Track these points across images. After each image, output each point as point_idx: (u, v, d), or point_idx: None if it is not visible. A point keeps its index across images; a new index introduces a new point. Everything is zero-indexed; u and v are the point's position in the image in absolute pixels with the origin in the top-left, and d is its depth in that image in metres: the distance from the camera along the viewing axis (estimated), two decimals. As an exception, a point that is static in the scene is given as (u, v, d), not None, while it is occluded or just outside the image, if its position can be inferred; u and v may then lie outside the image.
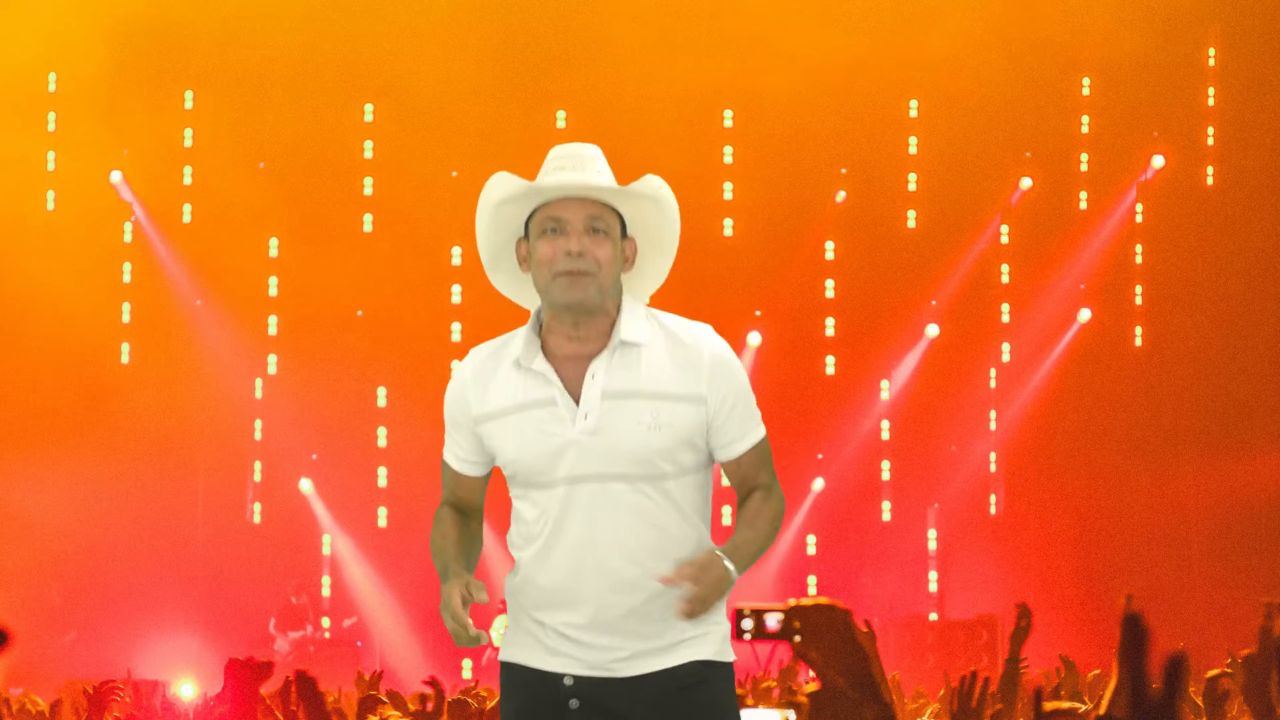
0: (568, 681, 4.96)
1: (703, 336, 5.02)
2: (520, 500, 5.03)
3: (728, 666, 5.04)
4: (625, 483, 4.91)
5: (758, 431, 5.08)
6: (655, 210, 5.05)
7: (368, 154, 23.45)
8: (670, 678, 4.95)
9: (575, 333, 4.98)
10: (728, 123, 23.28)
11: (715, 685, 4.99)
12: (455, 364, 5.20)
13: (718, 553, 4.84)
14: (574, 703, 4.95)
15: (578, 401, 4.93)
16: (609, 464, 4.90)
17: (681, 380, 4.94)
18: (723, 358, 5.00)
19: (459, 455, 5.15)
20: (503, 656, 5.11)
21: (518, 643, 5.07)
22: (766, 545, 5.02)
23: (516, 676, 5.06)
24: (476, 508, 5.25)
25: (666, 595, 4.90)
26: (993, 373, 23.81)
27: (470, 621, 4.86)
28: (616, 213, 5.02)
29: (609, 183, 4.99)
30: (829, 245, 23.57)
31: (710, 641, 5.00)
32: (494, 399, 5.01)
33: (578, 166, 5.02)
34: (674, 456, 4.94)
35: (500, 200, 5.07)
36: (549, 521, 4.95)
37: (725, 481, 5.24)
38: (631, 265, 5.06)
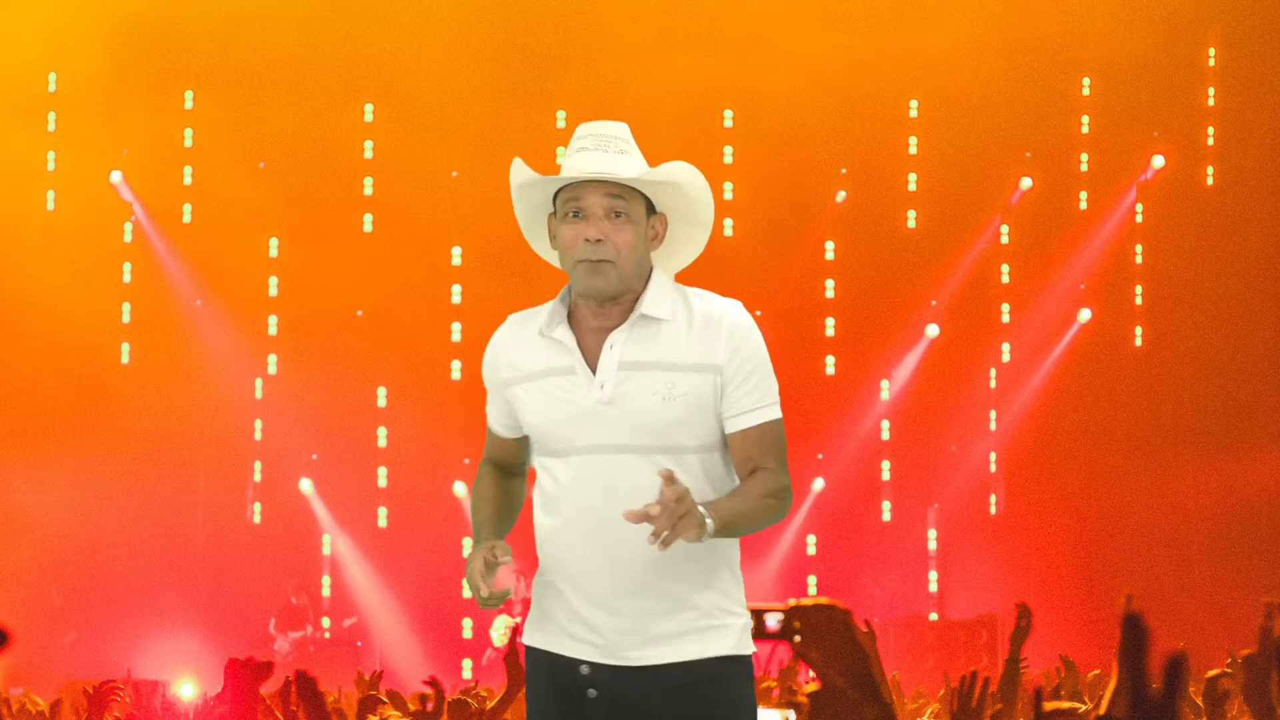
0: (584, 670, 4.92)
1: (727, 309, 5.02)
2: (541, 470, 5.04)
3: (746, 660, 4.97)
4: (639, 454, 4.88)
5: (770, 412, 4.99)
6: (677, 193, 5.03)
7: (368, 154, 23.45)
8: (686, 671, 4.90)
9: (600, 309, 5.00)
10: (728, 123, 23.28)
11: (730, 681, 4.93)
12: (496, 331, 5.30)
13: (695, 501, 4.72)
14: (592, 692, 4.92)
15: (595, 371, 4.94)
16: (624, 435, 4.88)
17: (698, 351, 4.93)
18: (742, 328, 4.99)
19: (495, 418, 5.27)
20: (525, 638, 5.08)
21: (539, 625, 5.03)
22: (755, 520, 4.90)
23: (540, 660, 5.03)
24: (516, 465, 5.28)
25: (682, 575, 4.87)
26: (993, 373, 23.81)
27: (485, 584, 4.83)
28: (641, 192, 4.99)
29: (625, 167, 4.94)
30: (829, 245, 23.58)
31: (729, 634, 4.94)
32: (519, 364, 5.06)
33: (600, 146, 4.94)
34: (690, 429, 4.90)
35: (520, 185, 5.05)
36: (565, 492, 4.94)
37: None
38: (662, 241, 5.05)
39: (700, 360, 4.92)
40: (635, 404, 4.88)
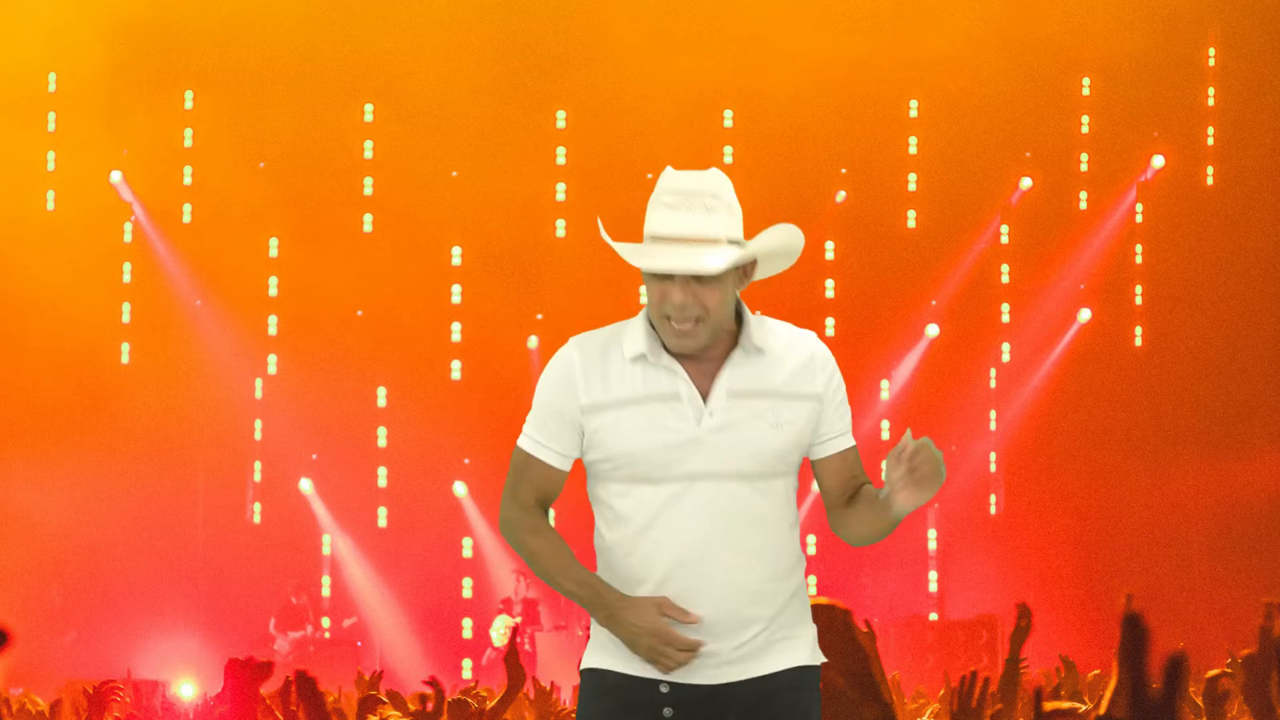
0: (663, 689, 4.90)
1: (812, 339, 5.08)
2: (621, 496, 4.93)
3: (817, 670, 5.02)
4: (744, 481, 4.91)
5: (852, 433, 5.16)
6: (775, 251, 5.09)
7: (368, 154, 23.45)
8: (764, 684, 4.92)
9: None
10: (728, 123, 23.27)
11: (806, 692, 4.96)
12: (556, 356, 5.04)
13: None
14: (668, 711, 4.90)
15: (703, 399, 4.92)
16: (730, 462, 4.89)
17: (798, 380, 4.97)
18: (829, 358, 5.06)
19: (555, 449, 5.00)
20: (589, 663, 5.01)
21: (609, 649, 4.96)
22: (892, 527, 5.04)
23: (605, 682, 4.96)
24: (552, 501, 5.11)
25: (767, 596, 4.92)
26: (993, 373, 23.81)
27: (682, 649, 4.83)
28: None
29: (712, 228, 4.88)
30: (829, 245, 23.58)
31: (804, 645, 4.97)
32: (610, 389, 4.93)
33: (686, 205, 4.88)
34: (789, 457, 4.98)
35: (605, 236, 5.01)
36: (658, 518, 4.89)
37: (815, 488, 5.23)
38: (750, 278, 5.06)
39: (801, 389, 4.97)
40: (745, 432, 4.90)
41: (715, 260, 4.82)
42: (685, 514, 4.87)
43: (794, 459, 5.00)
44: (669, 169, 4.98)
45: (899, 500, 4.84)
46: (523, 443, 5.06)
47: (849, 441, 5.07)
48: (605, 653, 4.98)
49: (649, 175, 22.07)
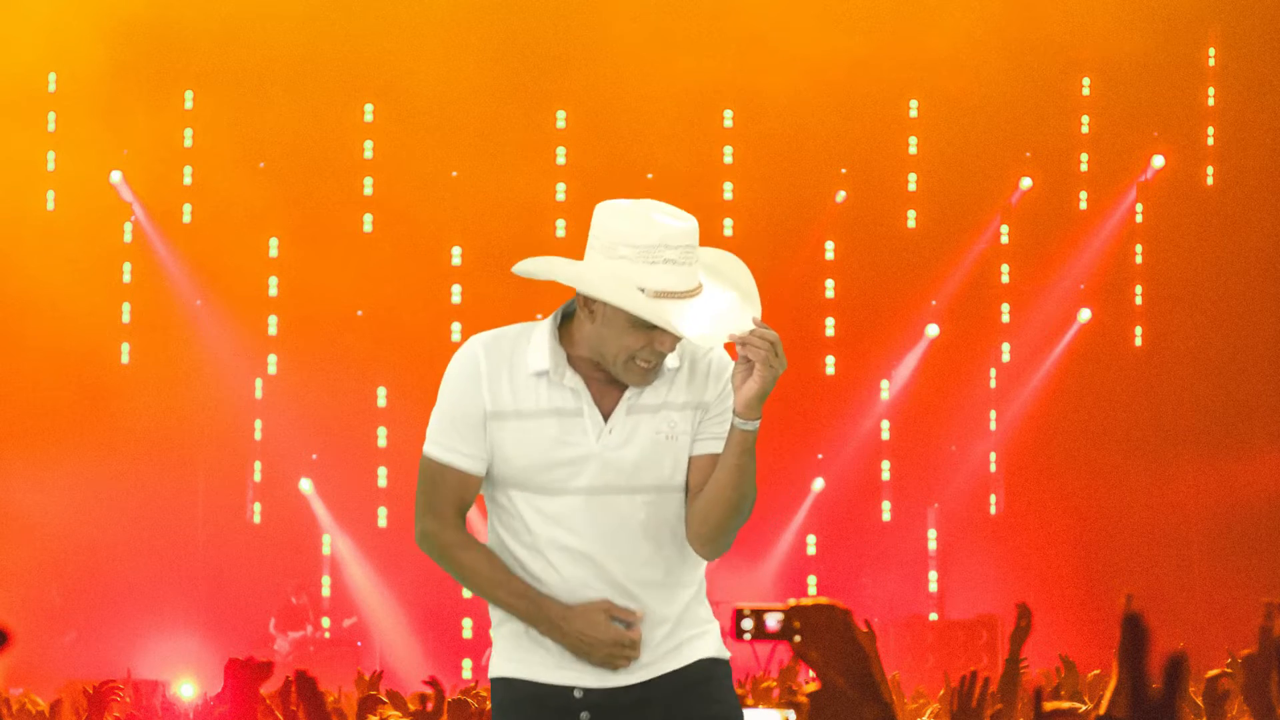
0: (578, 694, 4.94)
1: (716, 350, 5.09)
2: (519, 503, 4.97)
3: (728, 663, 5.07)
4: (642, 494, 4.94)
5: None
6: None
7: (368, 154, 23.45)
8: (680, 677, 4.98)
9: None
10: (728, 123, 23.27)
11: (722, 682, 5.03)
12: (459, 356, 5.05)
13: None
14: (585, 715, 4.95)
15: (604, 416, 4.92)
16: (630, 476, 4.93)
17: (692, 389, 4.98)
18: (727, 366, 5.01)
19: (467, 453, 5.01)
20: (498, 672, 5.04)
21: (515, 657, 5.00)
22: (752, 481, 4.94)
23: (518, 693, 4.99)
24: (468, 509, 5.13)
25: (667, 599, 4.97)
26: (993, 373, 23.81)
27: (633, 646, 4.89)
28: None
29: (698, 278, 4.91)
30: (829, 245, 23.57)
31: (711, 639, 5.04)
32: (513, 399, 4.95)
33: (687, 259, 4.86)
34: (683, 467, 4.97)
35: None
36: (556, 528, 4.93)
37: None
38: None
39: (692, 398, 4.97)
40: (643, 447, 4.92)
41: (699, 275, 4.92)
42: (586, 524, 4.89)
43: (685, 470, 4.98)
44: (650, 214, 4.86)
45: (738, 399, 4.80)
46: (432, 451, 5.11)
47: (721, 445, 4.96)
48: (512, 661, 5.00)
49: (649, 175, 22.23)
